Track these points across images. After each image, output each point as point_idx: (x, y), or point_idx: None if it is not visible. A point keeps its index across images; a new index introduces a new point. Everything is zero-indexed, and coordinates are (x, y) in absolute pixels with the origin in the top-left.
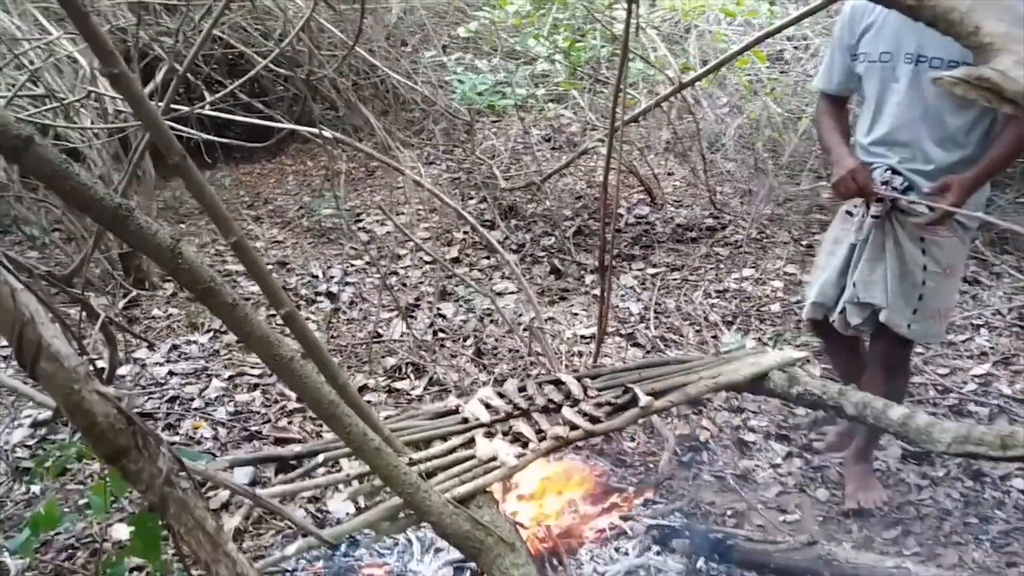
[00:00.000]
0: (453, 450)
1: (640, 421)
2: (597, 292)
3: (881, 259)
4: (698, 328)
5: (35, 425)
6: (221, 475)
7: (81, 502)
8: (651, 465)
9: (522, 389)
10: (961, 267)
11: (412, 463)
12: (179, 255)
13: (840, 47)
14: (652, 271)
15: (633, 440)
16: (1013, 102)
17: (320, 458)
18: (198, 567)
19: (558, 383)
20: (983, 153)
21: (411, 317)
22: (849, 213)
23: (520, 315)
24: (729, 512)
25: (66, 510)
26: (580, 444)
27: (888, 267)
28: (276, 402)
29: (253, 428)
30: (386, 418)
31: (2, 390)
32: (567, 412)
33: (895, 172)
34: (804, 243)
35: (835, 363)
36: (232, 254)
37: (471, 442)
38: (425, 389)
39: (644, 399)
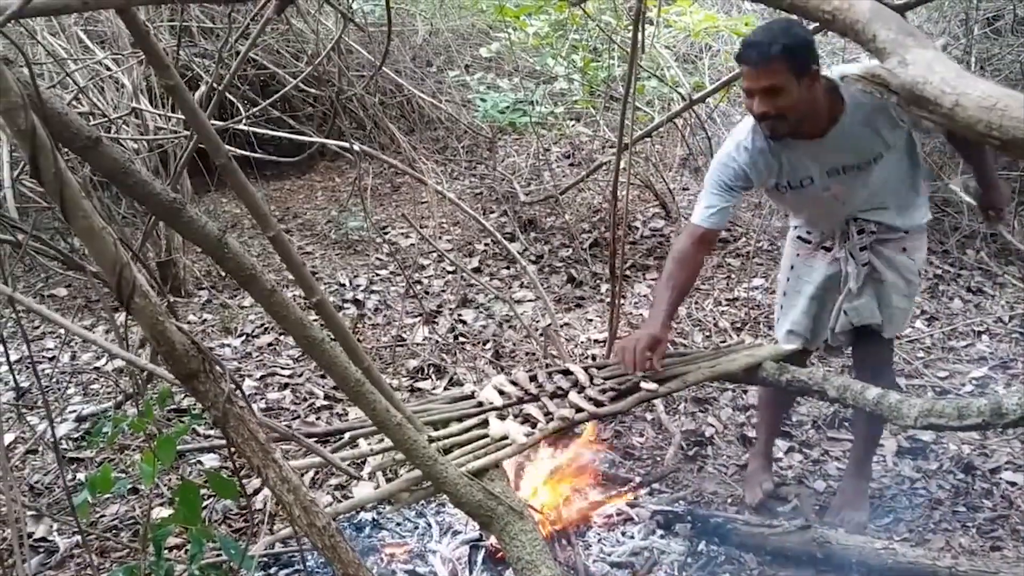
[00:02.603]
0: (468, 430)
1: (649, 418)
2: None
3: (868, 283)
4: (707, 333)
5: (79, 420)
6: (264, 419)
7: (126, 489)
8: (658, 459)
9: (533, 378)
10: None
11: (431, 440)
12: (225, 245)
13: (729, 187)
14: None
15: (642, 436)
16: (896, 92)
17: (347, 436)
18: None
19: (567, 372)
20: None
21: (433, 322)
22: (802, 239)
23: (537, 321)
24: (730, 500)
25: (107, 496)
26: (592, 439)
27: (889, 287)
28: (305, 400)
29: (283, 423)
30: (407, 403)
31: (51, 388)
32: (573, 396)
33: (866, 220)
34: None
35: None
36: (263, 264)
37: (485, 423)
38: (446, 389)
39: (645, 385)
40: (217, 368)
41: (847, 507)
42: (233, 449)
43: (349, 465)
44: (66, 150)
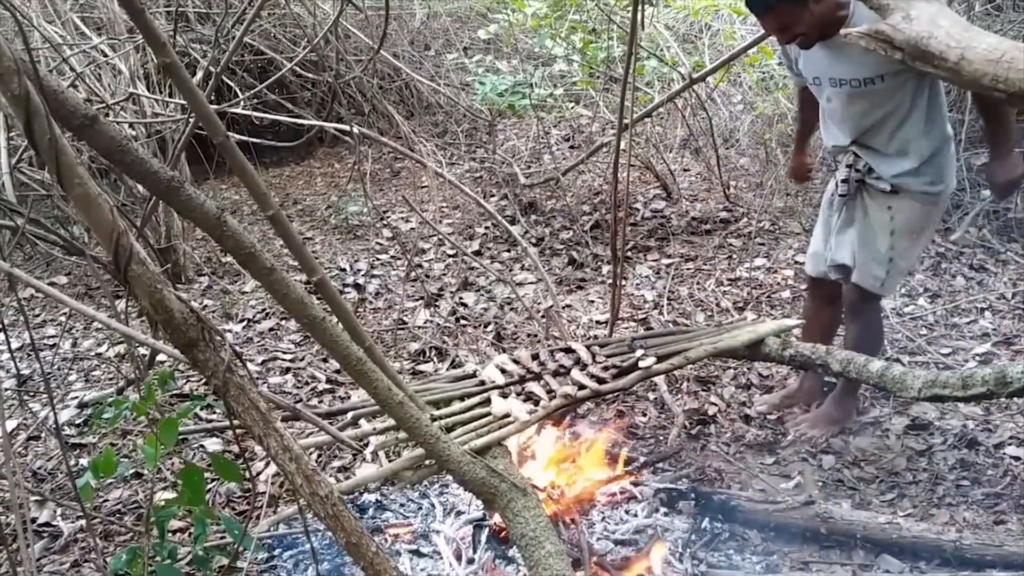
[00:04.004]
0: (471, 408)
1: (652, 397)
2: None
3: (851, 226)
4: (709, 313)
5: (81, 406)
6: (267, 392)
7: (129, 473)
8: (661, 438)
9: (535, 356)
10: (931, 230)
11: (433, 419)
12: (224, 223)
13: (784, 56)
14: (667, 261)
15: (645, 415)
16: (901, 49)
17: (349, 416)
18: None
19: (569, 351)
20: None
21: (435, 306)
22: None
23: (539, 303)
24: (733, 478)
25: (109, 481)
26: (594, 419)
27: (856, 233)
28: (307, 383)
29: None
30: (409, 383)
31: (52, 375)
32: (576, 374)
33: (857, 156)
34: None
35: (809, 320)
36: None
37: (487, 402)
38: (448, 371)
39: (646, 361)
40: (216, 337)
41: (809, 420)
42: (234, 420)
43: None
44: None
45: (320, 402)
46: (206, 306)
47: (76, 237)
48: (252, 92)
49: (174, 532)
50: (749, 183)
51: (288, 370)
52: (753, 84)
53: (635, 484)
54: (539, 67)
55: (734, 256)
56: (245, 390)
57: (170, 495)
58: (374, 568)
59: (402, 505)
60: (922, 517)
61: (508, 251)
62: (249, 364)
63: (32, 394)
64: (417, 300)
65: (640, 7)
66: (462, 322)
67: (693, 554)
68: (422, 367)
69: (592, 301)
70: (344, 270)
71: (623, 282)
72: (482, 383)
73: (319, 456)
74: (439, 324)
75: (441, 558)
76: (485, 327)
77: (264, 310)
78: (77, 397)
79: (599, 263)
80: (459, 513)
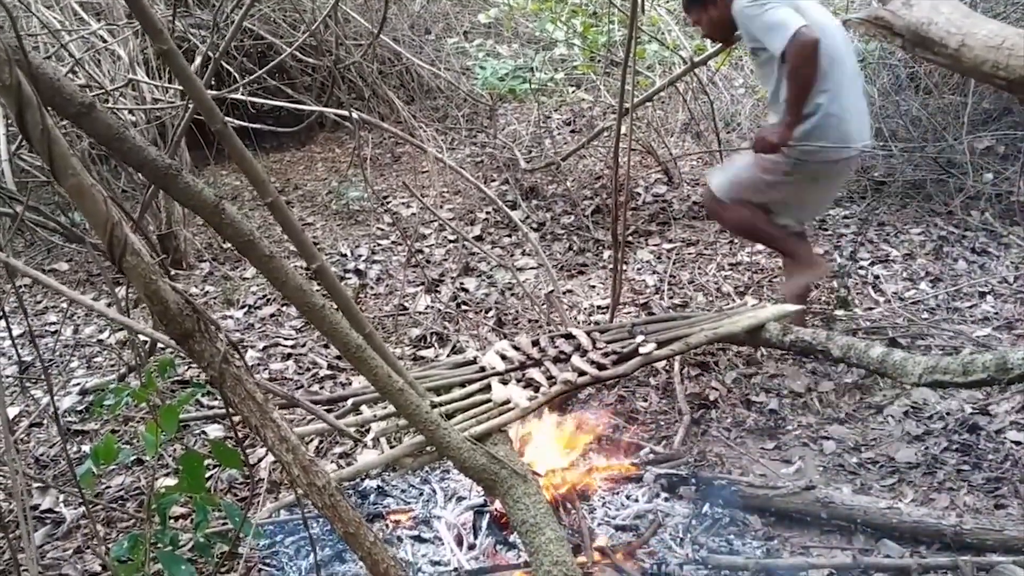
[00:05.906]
0: (471, 395)
1: (653, 382)
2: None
3: None
4: (710, 298)
5: (83, 393)
6: (266, 383)
7: (130, 459)
8: (663, 423)
9: (535, 342)
10: (778, 173)
11: (434, 405)
12: (222, 211)
13: None
14: (668, 246)
15: (646, 400)
16: (900, 35)
17: (350, 402)
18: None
19: (569, 336)
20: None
21: (435, 291)
22: None
23: (540, 288)
24: (734, 463)
25: (111, 467)
26: (596, 404)
27: None
28: (308, 370)
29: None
30: (409, 370)
31: (53, 362)
32: (576, 360)
33: None
34: (817, 217)
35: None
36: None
37: (488, 388)
38: (448, 357)
39: (646, 347)
40: (212, 327)
41: (789, 287)
42: (231, 410)
43: (353, 432)
44: (65, 122)
45: (321, 388)
46: (207, 292)
47: (76, 224)
48: (252, 77)
49: (175, 519)
50: None
51: (289, 356)
52: (755, 68)
53: (636, 468)
54: (540, 51)
55: (735, 240)
56: (241, 380)
57: (171, 482)
58: (372, 558)
59: (403, 491)
60: (923, 502)
61: (509, 236)
62: (250, 350)
63: (34, 381)
64: (418, 286)
65: None
66: (463, 308)
67: (694, 539)
68: (423, 353)
69: (593, 286)
70: (345, 256)
71: (624, 267)
72: (482, 369)
73: (320, 443)
74: (440, 310)
75: (442, 544)
76: (486, 312)
77: (265, 296)
78: (79, 384)
79: (600, 248)
80: (460, 499)
